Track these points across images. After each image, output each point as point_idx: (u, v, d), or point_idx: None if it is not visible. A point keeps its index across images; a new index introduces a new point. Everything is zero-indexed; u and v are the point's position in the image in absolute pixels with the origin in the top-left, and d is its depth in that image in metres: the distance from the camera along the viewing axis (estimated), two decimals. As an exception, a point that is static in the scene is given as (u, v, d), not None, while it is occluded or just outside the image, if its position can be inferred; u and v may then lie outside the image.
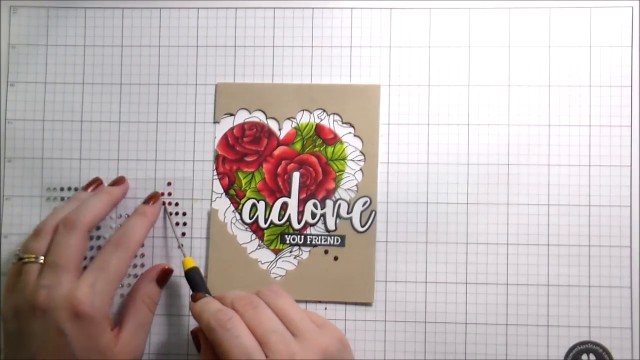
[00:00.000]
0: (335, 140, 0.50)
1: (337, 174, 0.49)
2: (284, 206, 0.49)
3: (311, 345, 0.40)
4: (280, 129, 0.50)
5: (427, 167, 0.49)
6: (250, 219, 0.50)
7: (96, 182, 0.50)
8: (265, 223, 0.49)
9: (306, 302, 0.49)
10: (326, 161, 0.50)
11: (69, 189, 0.50)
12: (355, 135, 0.49)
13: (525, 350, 0.48)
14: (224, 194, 0.50)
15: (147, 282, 0.47)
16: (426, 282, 0.49)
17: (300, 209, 0.49)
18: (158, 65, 0.51)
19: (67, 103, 0.51)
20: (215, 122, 0.50)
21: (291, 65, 0.50)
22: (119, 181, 0.49)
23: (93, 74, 0.51)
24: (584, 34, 0.49)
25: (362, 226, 0.49)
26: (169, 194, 0.50)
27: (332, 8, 0.50)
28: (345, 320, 0.49)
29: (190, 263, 0.47)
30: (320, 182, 0.49)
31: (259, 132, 0.50)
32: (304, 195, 0.49)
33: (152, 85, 0.51)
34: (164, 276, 0.48)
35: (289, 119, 0.50)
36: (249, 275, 0.49)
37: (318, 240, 0.49)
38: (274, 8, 0.51)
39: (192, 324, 0.49)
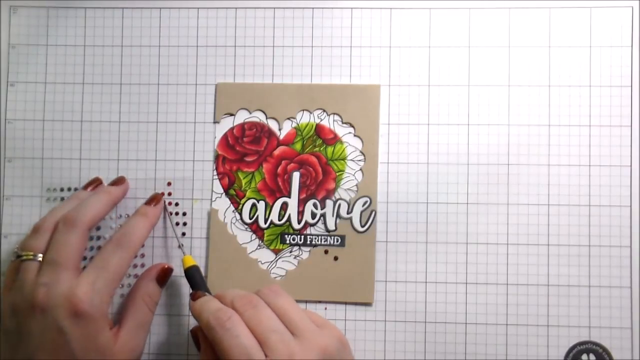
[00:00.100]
0: (335, 140, 0.50)
1: (337, 174, 0.49)
2: (284, 206, 0.49)
3: (311, 344, 0.40)
4: (280, 129, 0.50)
5: (427, 167, 0.49)
6: (250, 219, 0.50)
7: (96, 182, 0.50)
8: (265, 223, 0.49)
9: (306, 302, 0.49)
10: (326, 161, 0.50)
11: (69, 189, 0.50)
12: (355, 135, 0.49)
13: (525, 350, 0.48)
14: (224, 194, 0.50)
15: (147, 281, 0.47)
16: (426, 282, 0.49)
17: (300, 209, 0.49)
18: (158, 65, 0.51)
19: (67, 103, 0.51)
20: (215, 122, 0.50)
21: (291, 65, 0.50)
22: (118, 181, 0.49)
23: (93, 74, 0.51)
24: (584, 34, 0.49)
25: (362, 226, 0.49)
26: (169, 194, 0.50)
27: (332, 8, 0.50)
28: (345, 320, 0.49)
29: (190, 261, 0.47)
30: (320, 182, 0.49)
31: (259, 132, 0.50)
32: (304, 195, 0.49)
33: (152, 85, 0.51)
34: (164, 275, 0.48)
35: (289, 119, 0.50)
36: (249, 275, 0.49)
37: (318, 240, 0.49)
38: (274, 8, 0.51)
39: (192, 323, 0.49)
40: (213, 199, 0.50)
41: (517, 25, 0.49)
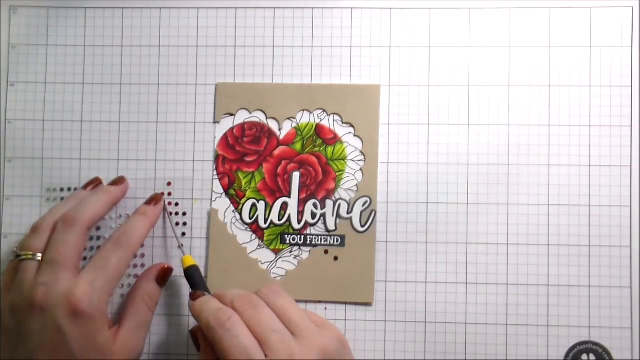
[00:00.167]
0: (335, 140, 0.50)
1: (337, 174, 0.49)
2: (284, 206, 0.49)
3: (310, 344, 0.40)
4: (280, 129, 0.50)
5: (427, 167, 0.49)
6: (250, 219, 0.50)
7: (96, 182, 0.50)
8: (265, 223, 0.49)
9: (306, 302, 0.49)
10: (326, 161, 0.50)
11: (69, 189, 0.50)
12: (355, 135, 0.49)
13: (525, 350, 0.48)
14: (224, 194, 0.50)
15: (147, 281, 0.47)
16: (426, 282, 0.48)
17: (300, 209, 0.49)
18: (158, 65, 0.51)
19: (67, 103, 0.51)
20: (215, 122, 0.50)
21: (291, 65, 0.50)
22: (118, 181, 0.49)
23: (93, 74, 0.51)
24: (584, 34, 0.49)
25: (362, 226, 0.49)
26: (169, 194, 0.50)
27: (332, 8, 0.50)
28: (345, 320, 0.49)
29: (190, 261, 0.47)
30: (320, 182, 0.49)
31: (259, 132, 0.50)
32: (304, 195, 0.49)
33: (152, 85, 0.51)
34: (164, 275, 0.48)
35: (289, 119, 0.50)
36: (249, 275, 0.49)
37: (318, 240, 0.49)
38: (274, 8, 0.51)
39: (192, 323, 0.49)
40: (213, 199, 0.50)
41: (517, 25, 0.49)
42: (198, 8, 0.51)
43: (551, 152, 0.49)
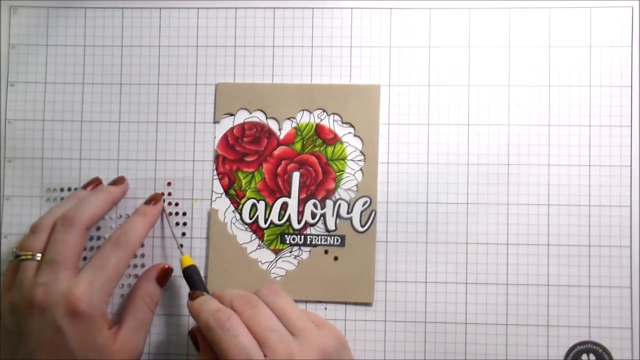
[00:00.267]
0: (335, 140, 0.50)
1: (337, 174, 0.49)
2: (284, 206, 0.49)
3: (310, 344, 0.40)
4: (280, 129, 0.50)
5: (427, 167, 0.49)
6: (250, 219, 0.50)
7: (95, 182, 0.50)
8: (265, 223, 0.49)
9: (306, 302, 0.49)
10: (326, 161, 0.50)
11: (69, 189, 0.50)
12: (355, 135, 0.49)
13: (525, 350, 0.48)
14: (224, 194, 0.50)
15: (147, 281, 0.47)
16: (426, 282, 0.48)
17: (300, 209, 0.49)
18: (158, 65, 0.51)
19: (67, 103, 0.51)
20: (215, 122, 0.50)
21: (291, 65, 0.50)
22: (118, 181, 0.49)
23: (93, 74, 0.51)
24: (584, 34, 0.49)
25: (362, 226, 0.49)
26: (169, 194, 0.50)
27: (332, 8, 0.50)
28: (345, 320, 0.49)
29: (188, 261, 0.47)
30: (320, 182, 0.49)
31: (259, 132, 0.50)
32: (304, 195, 0.49)
33: (152, 85, 0.51)
34: (164, 275, 0.48)
35: (289, 119, 0.50)
36: (249, 275, 0.49)
37: (318, 240, 0.49)
38: (274, 8, 0.51)
39: (192, 323, 0.49)
40: (213, 199, 0.50)
41: (517, 25, 0.49)
42: (198, 8, 0.51)
43: (551, 152, 0.49)
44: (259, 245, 0.49)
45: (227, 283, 0.49)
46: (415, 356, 0.48)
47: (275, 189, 0.50)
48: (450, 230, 0.49)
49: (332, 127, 0.50)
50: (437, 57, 0.50)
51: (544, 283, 0.48)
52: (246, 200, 0.50)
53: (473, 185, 0.49)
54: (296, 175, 0.50)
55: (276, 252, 0.49)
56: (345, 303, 0.49)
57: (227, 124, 0.50)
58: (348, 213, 0.49)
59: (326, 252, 0.49)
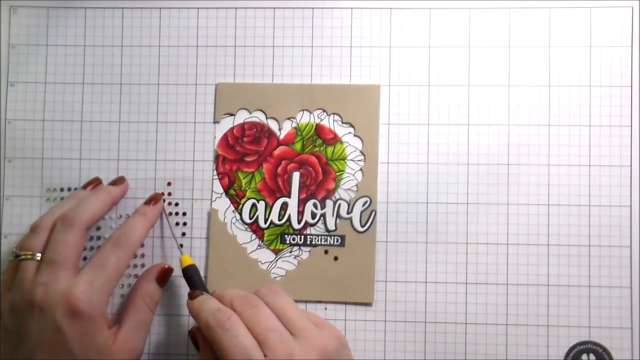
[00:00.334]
0: (335, 140, 0.50)
1: (337, 174, 0.49)
2: (284, 206, 0.49)
3: (310, 344, 0.40)
4: (280, 129, 0.50)
5: (427, 167, 0.49)
6: (250, 219, 0.50)
7: (95, 182, 0.50)
8: (265, 223, 0.49)
9: (306, 302, 0.49)
10: (326, 161, 0.50)
11: (69, 189, 0.50)
12: (355, 135, 0.49)
13: (525, 350, 0.48)
14: (224, 194, 0.50)
15: (148, 281, 0.47)
16: (426, 282, 0.48)
17: (300, 209, 0.49)
18: (158, 65, 0.51)
19: (67, 103, 0.51)
20: (215, 122, 0.50)
21: (291, 65, 0.50)
22: (118, 181, 0.49)
23: (93, 74, 0.51)
24: (584, 34, 0.49)
25: (362, 226, 0.49)
26: (169, 194, 0.50)
27: (332, 8, 0.50)
28: (345, 320, 0.49)
29: (188, 261, 0.47)
30: (320, 182, 0.49)
31: (259, 132, 0.50)
32: (304, 195, 0.49)
33: (152, 85, 0.51)
34: (164, 275, 0.48)
35: (289, 119, 0.50)
36: (249, 275, 0.49)
37: (318, 240, 0.49)
38: (274, 8, 0.51)
39: (192, 323, 0.49)
40: (213, 199, 0.50)
41: (517, 25, 0.49)
42: (198, 8, 0.51)
43: (551, 152, 0.49)
44: (259, 245, 0.49)
45: (227, 283, 0.49)
46: (415, 356, 0.48)
47: (275, 189, 0.50)
48: (450, 230, 0.49)
49: (332, 127, 0.50)
50: (437, 57, 0.50)
51: (544, 283, 0.48)
52: (246, 200, 0.50)
53: (473, 185, 0.49)
54: (296, 175, 0.50)
55: (276, 252, 0.49)
56: (345, 303, 0.49)
57: (227, 124, 0.50)
58: (348, 213, 0.49)
59: (326, 252, 0.49)
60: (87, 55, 0.51)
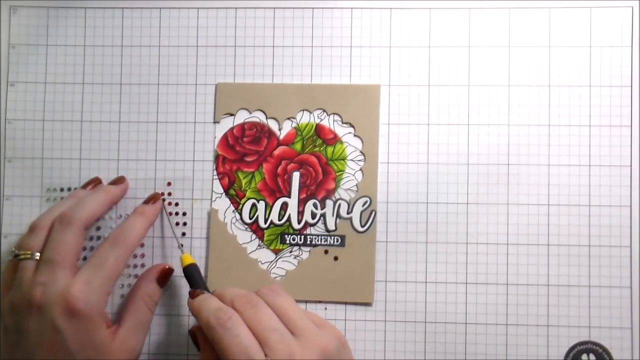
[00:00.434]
0: (335, 140, 0.50)
1: (337, 174, 0.49)
2: (284, 206, 0.49)
3: (310, 344, 0.40)
4: (280, 129, 0.50)
5: (427, 167, 0.49)
6: (250, 219, 0.50)
7: (95, 181, 0.49)
8: (265, 223, 0.49)
9: (306, 302, 0.49)
10: (326, 161, 0.50)
11: (69, 189, 0.50)
12: (355, 135, 0.49)
13: (525, 350, 0.48)
14: (224, 194, 0.50)
15: (148, 281, 0.47)
16: (426, 282, 0.48)
17: (300, 209, 0.49)
18: (158, 65, 0.51)
19: (67, 103, 0.51)
20: (215, 122, 0.50)
21: (291, 65, 0.50)
22: (118, 181, 0.49)
23: (93, 74, 0.51)
24: (584, 34, 0.49)
25: (362, 226, 0.49)
26: (169, 194, 0.50)
27: (332, 8, 0.50)
28: (345, 320, 0.49)
29: (189, 259, 0.47)
30: (320, 182, 0.49)
31: (259, 132, 0.50)
32: (304, 195, 0.49)
33: (152, 85, 0.51)
34: (164, 276, 0.48)
35: (289, 119, 0.50)
36: (249, 275, 0.49)
37: (318, 240, 0.49)
38: (274, 8, 0.51)
39: (192, 323, 0.49)
40: (213, 199, 0.50)
41: (517, 25, 0.49)
42: (198, 8, 0.51)
43: (551, 152, 0.49)
44: (259, 245, 0.49)
45: (227, 283, 0.49)
46: (415, 356, 0.48)
47: (275, 189, 0.50)
48: (450, 230, 0.49)
49: (332, 127, 0.50)
50: (437, 57, 0.50)
51: (544, 283, 0.48)
52: (246, 200, 0.50)
53: (473, 185, 0.49)
54: (296, 175, 0.50)
55: (276, 252, 0.49)
56: (345, 303, 0.49)
57: (227, 124, 0.50)
58: (348, 213, 0.49)
59: (326, 252, 0.49)
60: (87, 55, 0.51)
